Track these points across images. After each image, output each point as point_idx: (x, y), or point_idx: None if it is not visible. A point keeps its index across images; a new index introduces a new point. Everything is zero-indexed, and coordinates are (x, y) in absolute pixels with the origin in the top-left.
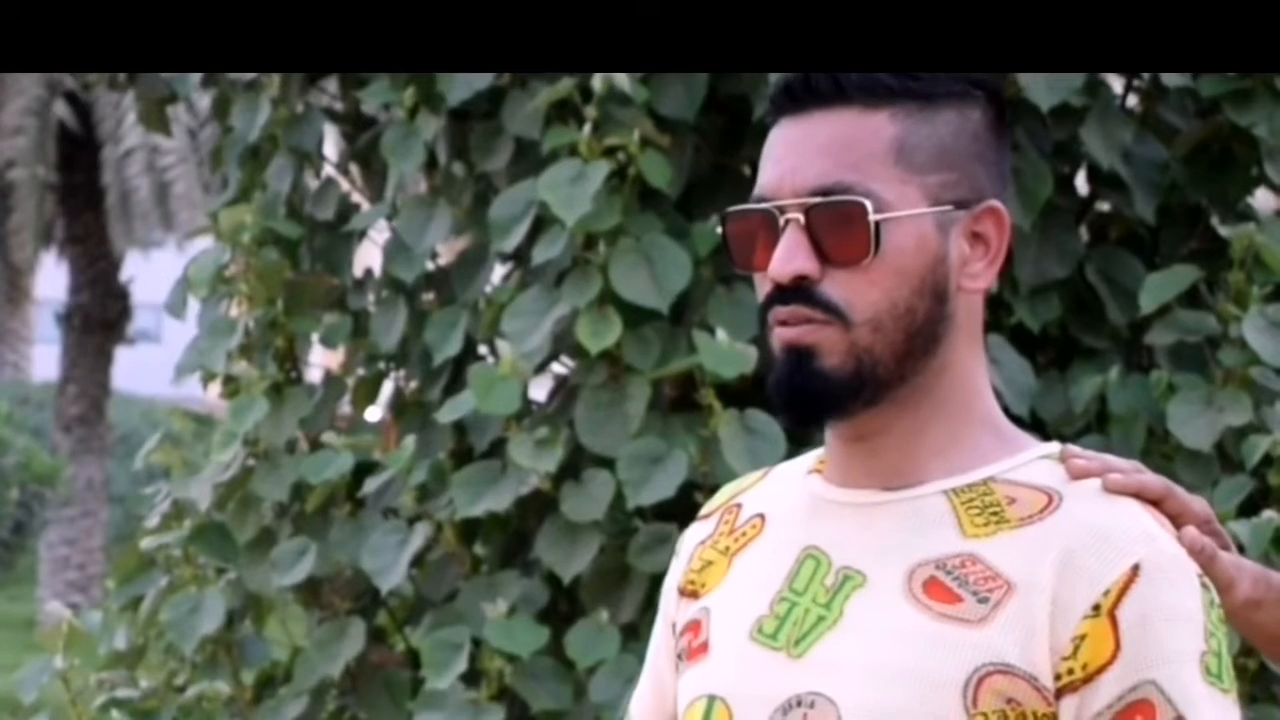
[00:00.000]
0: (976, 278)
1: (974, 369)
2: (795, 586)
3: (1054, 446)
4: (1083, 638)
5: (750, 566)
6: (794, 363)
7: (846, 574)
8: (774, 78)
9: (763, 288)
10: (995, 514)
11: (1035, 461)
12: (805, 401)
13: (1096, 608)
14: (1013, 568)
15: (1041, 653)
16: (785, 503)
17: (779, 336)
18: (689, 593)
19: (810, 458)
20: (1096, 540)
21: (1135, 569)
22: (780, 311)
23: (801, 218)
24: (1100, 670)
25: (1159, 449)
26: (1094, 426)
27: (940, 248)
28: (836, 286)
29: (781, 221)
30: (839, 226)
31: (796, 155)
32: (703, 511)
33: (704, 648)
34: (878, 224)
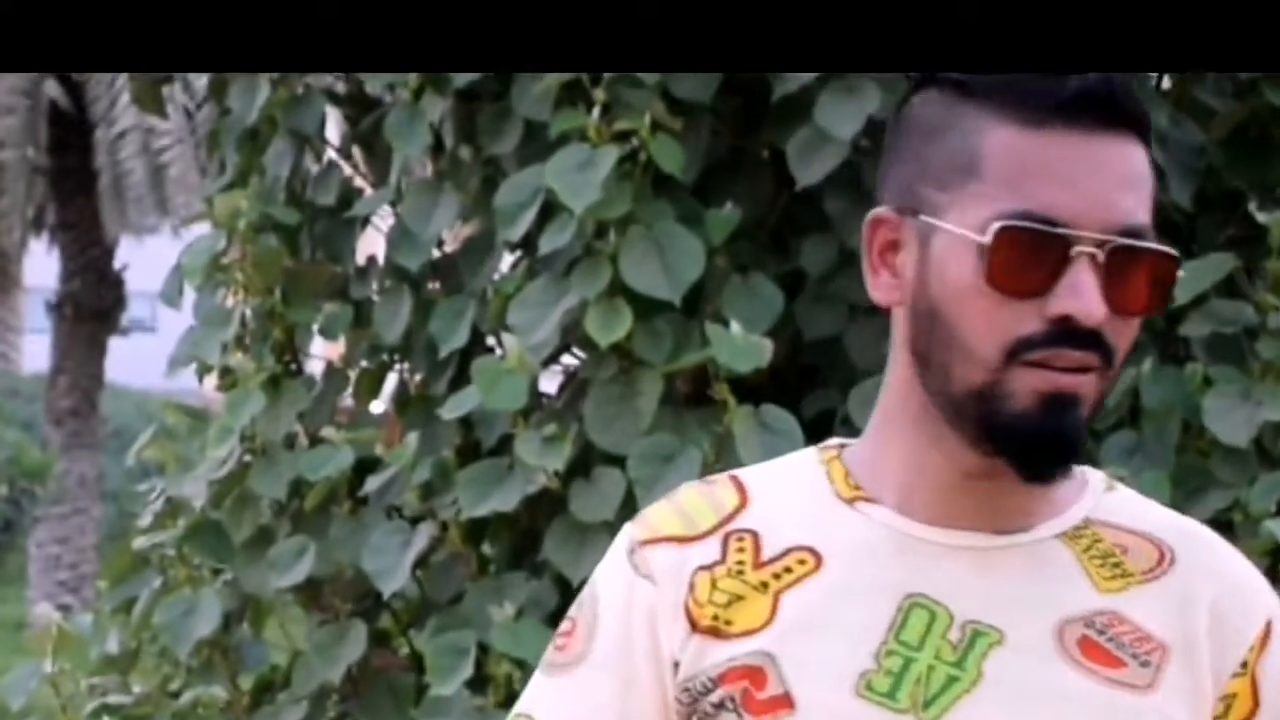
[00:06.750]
0: None
1: None
2: (905, 639)
3: (1099, 475)
4: (1233, 696)
5: (822, 610)
6: (1058, 409)
7: (976, 630)
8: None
9: (1020, 315)
10: (1116, 565)
11: (1104, 495)
12: (1062, 449)
13: (1244, 664)
14: (1158, 627)
15: (1207, 717)
16: (844, 536)
17: (1046, 379)
18: (708, 629)
19: (806, 471)
20: (1231, 592)
21: (1269, 625)
22: (1071, 356)
23: (1101, 255)
24: None
25: (1194, 444)
26: (1127, 421)
27: None
28: (1113, 334)
29: (1073, 252)
30: (1140, 273)
31: (1099, 183)
32: (675, 533)
33: (785, 702)
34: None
